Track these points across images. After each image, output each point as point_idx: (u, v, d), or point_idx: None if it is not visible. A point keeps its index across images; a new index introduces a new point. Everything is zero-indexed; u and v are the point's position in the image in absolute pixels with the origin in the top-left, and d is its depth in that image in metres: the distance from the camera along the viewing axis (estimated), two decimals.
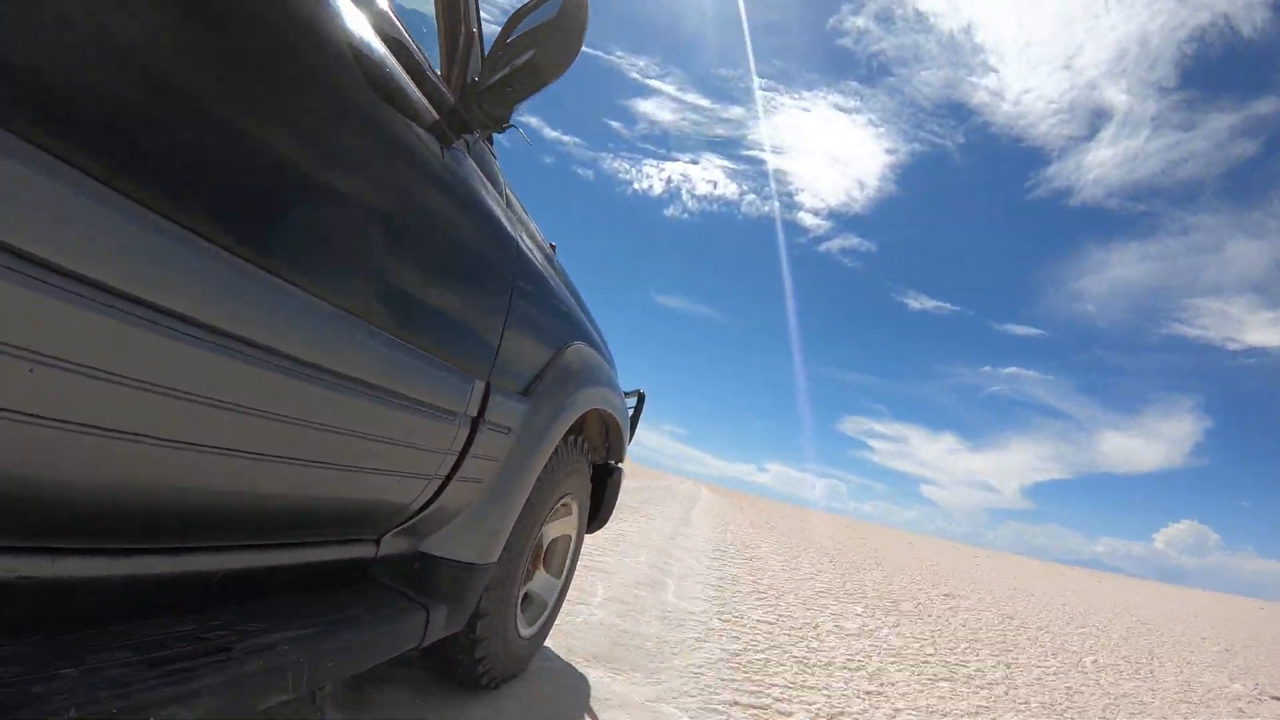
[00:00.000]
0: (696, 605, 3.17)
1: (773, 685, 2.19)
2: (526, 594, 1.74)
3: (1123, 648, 5.64)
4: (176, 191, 0.54)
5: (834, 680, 2.44)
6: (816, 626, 3.40)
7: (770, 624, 3.17)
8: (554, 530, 1.88)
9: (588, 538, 3.13)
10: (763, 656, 2.53)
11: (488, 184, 1.14)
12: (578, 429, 1.80)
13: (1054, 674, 3.65)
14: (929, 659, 3.25)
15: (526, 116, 1.12)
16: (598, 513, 2.16)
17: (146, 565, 0.68)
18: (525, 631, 1.66)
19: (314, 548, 0.97)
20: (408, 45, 0.89)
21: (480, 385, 1.12)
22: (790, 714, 1.97)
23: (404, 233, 0.86)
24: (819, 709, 2.07)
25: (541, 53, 0.95)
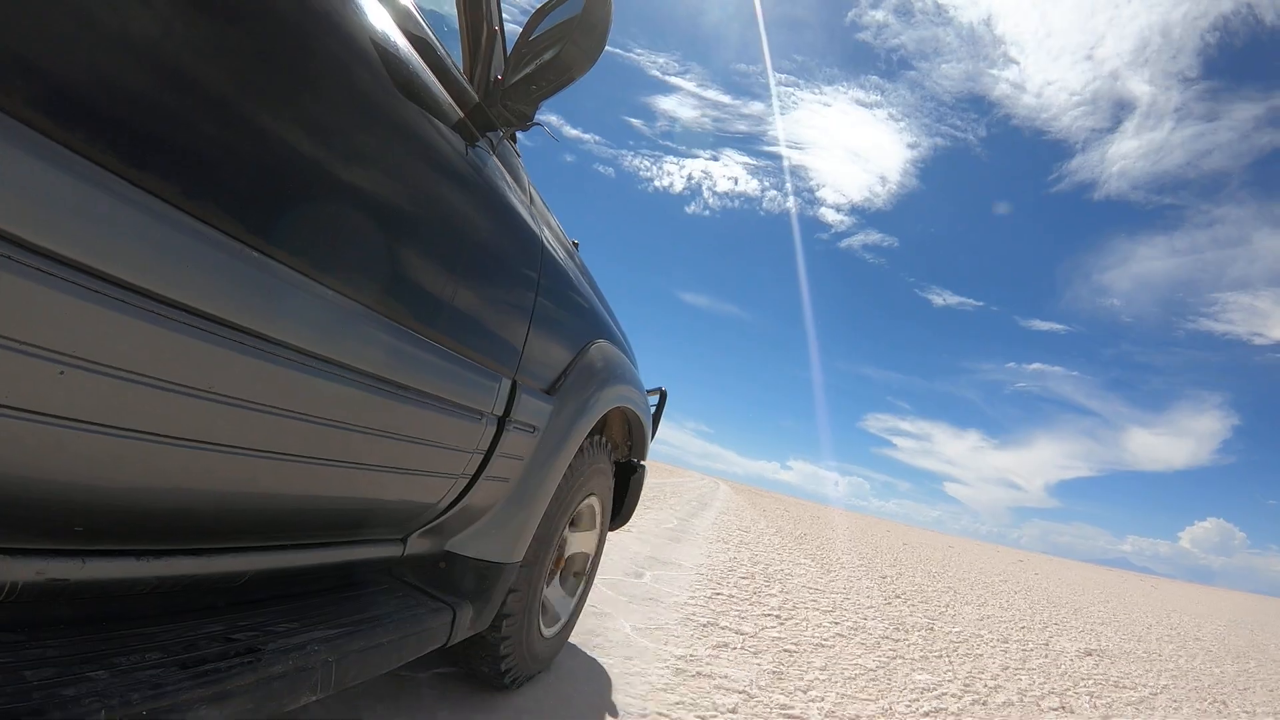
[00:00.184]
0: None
1: None
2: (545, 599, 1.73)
3: None
4: (208, 193, 0.53)
5: None
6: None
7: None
8: (577, 533, 1.87)
9: None
10: None
11: (512, 182, 1.13)
12: (600, 427, 1.78)
13: None
14: None
15: (547, 114, 1.11)
16: (620, 511, 2.15)
17: (175, 566, 0.68)
18: (547, 632, 1.65)
19: (341, 548, 0.97)
20: (431, 43, 0.88)
21: (507, 384, 1.12)
22: None
23: (431, 232, 0.85)
24: None
25: (565, 50, 0.94)
